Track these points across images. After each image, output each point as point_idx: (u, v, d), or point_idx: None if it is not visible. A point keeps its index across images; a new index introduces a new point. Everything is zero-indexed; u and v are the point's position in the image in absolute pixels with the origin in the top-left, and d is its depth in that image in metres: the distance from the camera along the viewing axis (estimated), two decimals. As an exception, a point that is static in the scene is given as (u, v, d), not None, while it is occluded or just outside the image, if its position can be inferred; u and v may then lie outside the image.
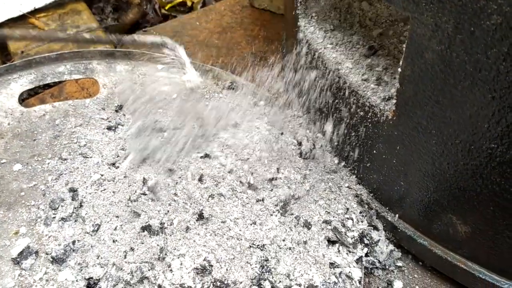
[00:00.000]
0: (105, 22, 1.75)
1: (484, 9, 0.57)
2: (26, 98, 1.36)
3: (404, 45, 0.69)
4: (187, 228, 0.92)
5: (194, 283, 0.85)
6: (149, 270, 0.87)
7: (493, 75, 0.61)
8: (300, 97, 1.14)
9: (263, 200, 0.96)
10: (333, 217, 0.97)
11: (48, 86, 1.34)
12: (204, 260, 0.87)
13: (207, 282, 0.85)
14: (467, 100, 0.65)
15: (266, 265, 0.88)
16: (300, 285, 0.87)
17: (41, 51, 1.50)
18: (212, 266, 0.87)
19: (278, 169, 1.01)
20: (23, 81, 1.24)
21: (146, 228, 0.91)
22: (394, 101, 0.78)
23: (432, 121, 0.73)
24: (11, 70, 1.24)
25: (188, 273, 0.86)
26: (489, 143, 0.67)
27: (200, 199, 0.96)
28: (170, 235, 0.91)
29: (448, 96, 0.67)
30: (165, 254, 0.89)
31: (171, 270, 0.86)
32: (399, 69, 0.72)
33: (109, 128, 1.15)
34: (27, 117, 1.17)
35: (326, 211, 0.97)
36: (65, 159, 1.08)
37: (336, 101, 0.94)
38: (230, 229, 0.91)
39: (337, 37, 0.96)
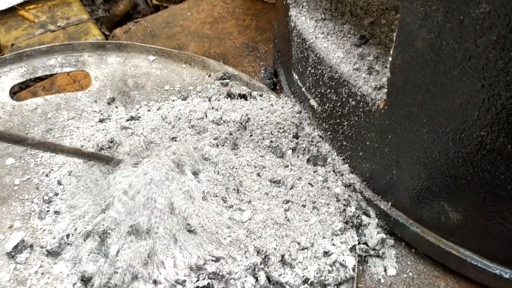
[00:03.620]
0: (95, 13, 1.74)
1: (473, -2, 0.57)
2: (17, 91, 1.35)
3: (395, 34, 0.69)
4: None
5: (189, 277, 0.85)
6: (143, 265, 0.87)
7: (482, 64, 0.61)
8: (292, 87, 1.14)
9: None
10: (325, 205, 0.97)
11: (39, 79, 1.33)
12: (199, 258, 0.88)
13: (202, 274, 0.86)
14: (457, 88, 0.65)
15: (261, 255, 0.88)
16: (294, 274, 0.88)
17: (32, 43, 1.49)
18: (205, 263, 0.87)
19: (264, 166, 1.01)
20: (14, 75, 1.23)
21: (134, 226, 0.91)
22: (385, 90, 0.78)
23: (423, 110, 0.73)
24: (2, 63, 1.23)
25: (182, 270, 0.86)
26: (480, 131, 0.67)
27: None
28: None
29: (439, 84, 0.67)
30: (156, 253, 0.88)
31: (164, 267, 0.87)
32: (390, 58, 0.72)
33: (101, 121, 1.15)
34: (18, 110, 1.17)
35: (317, 200, 0.98)
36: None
37: (328, 90, 0.94)
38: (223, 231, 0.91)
39: (328, 27, 0.95)
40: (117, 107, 1.19)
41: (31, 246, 0.93)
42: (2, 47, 1.52)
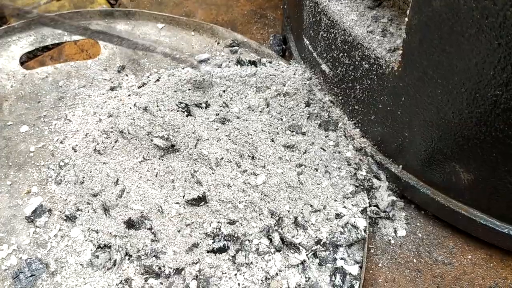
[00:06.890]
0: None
1: (493, -46, 0.57)
2: (25, 61, 1.35)
3: (411, -6, 0.69)
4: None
5: (205, 240, 0.88)
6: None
7: (499, 22, 0.61)
8: (303, 53, 1.14)
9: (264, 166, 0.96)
10: (336, 169, 0.99)
11: (47, 48, 1.33)
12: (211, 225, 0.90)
13: (218, 236, 0.88)
14: (474, 47, 0.66)
15: (275, 217, 0.90)
16: (307, 235, 0.90)
17: (39, 12, 1.48)
18: (221, 226, 0.89)
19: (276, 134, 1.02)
20: (23, 43, 1.23)
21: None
22: (400, 52, 0.78)
23: (438, 71, 0.73)
24: (10, 32, 1.22)
25: (199, 234, 0.89)
26: (494, 90, 0.68)
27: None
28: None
29: (455, 44, 0.68)
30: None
31: (182, 235, 0.89)
32: (406, 19, 0.73)
33: (112, 89, 1.15)
34: (29, 79, 1.17)
35: (329, 164, 0.99)
36: (71, 120, 1.09)
37: (341, 54, 0.94)
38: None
39: (341, -10, 0.95)
40: (127, 75, 1.19)
41: (50, 210, 0.95)
42: (8, 16, 1.50)
